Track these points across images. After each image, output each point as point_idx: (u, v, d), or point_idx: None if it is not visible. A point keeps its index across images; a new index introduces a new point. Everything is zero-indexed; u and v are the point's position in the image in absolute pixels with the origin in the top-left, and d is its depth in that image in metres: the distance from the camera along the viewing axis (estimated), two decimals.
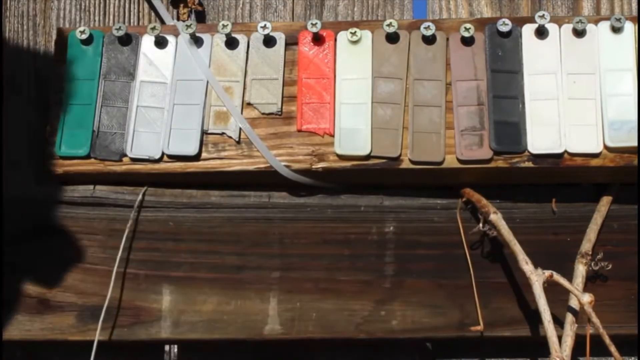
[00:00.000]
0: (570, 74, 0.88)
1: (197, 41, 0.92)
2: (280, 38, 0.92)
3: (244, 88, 0.91)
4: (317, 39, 0.91)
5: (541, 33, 0.90)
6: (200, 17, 1.00)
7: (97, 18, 1.01)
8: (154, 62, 0.92)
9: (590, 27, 0.89)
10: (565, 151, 0.86)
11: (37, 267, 0.90)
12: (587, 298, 0.81)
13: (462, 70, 0.89)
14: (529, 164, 0.86)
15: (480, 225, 0.87)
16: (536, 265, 0.82)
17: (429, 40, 0.90)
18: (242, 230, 0.90)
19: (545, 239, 0.89)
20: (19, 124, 0.98)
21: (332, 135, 0.88)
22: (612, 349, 0.79)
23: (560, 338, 0.81)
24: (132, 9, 1.01)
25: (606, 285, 0.89)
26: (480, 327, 0.87)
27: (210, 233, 0.90)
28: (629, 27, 0.89)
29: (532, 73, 0.88)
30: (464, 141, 0.87)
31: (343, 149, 0.88)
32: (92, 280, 0.90)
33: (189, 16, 0.99)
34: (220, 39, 0.92)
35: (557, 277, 0.81)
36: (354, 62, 0.90)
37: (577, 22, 0.88)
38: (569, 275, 0.86)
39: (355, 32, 0.91)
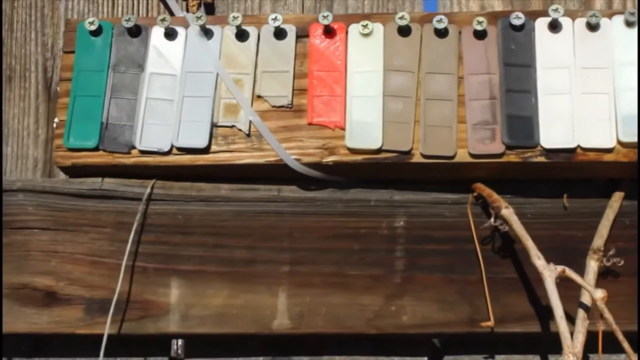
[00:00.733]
0: (583, 68, 0.88)
1: (207, 33, 0.91)
2: (291, 30, 0.91)
3: (255, 80, 0.90)
4: (329, 32, 0.91)
5: (554, 27, 0.89)
6: (210, 9, 1.00)
7: (105, 9, 1.00)
8: (164, 54, 0.91)
9: (604, 21, 0.89)
10: (578, 146, 0.86)
11: (44, 260, 0.89)
12: (599, 294, 0.80)
13: (474, 64, 0.89)
14: (542, 159, 0.86)
15: (492, 220, 0.86)
16: (548, 260, 0.81)
17: (441, 33, 0.90)
18: (252, 224, 0.90)
19: (556, 234, 0.89)
20: (27, 115, 0.98)
21: (343, 129, 0.88)
22: (625, 345, 0.78)
23: (571, 334, 0.81)
24: (141, 0, 1.00)
25: (618, 281, 0.88)
26: (490, 323, 0.86)
27: (220, 227, 0.90)
28: None
29: (545, 67, 0.88)
30: (476, 135, 0.87)
31: (354, 142, 0.87)
32: (100, 273, 0.89)
33: (198, 8, 0.98)
34: (230, 31, 0.92)
35: (570, 273, 0.81)
36: (365, 54, 0.90)
37: (591, 16, 0.88)
38: (581, 271, 0.86)
39: (367, 24, 0.90)
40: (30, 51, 1.00)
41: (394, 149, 0.87)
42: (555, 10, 0.88)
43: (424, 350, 0.93)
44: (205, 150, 0.88)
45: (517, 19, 0.89)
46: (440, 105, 0.88)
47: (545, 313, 0.88)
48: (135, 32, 0.92)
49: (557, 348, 0.80)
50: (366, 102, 0.88)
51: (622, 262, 0.87)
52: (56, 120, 0.91)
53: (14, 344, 0.94)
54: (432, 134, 0.87)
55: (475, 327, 0.88)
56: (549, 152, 0.86)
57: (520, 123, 0.86)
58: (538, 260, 0.81)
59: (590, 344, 0.83)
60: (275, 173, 0.90)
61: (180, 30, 0.92)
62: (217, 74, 0.90)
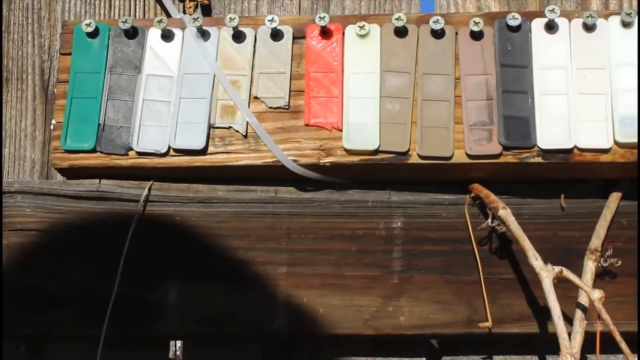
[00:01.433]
0: (580, 68, 0.88)
1: (203, 34, 0.91)
2: (288, 32, 0.91)
3: (251, 82, 0.90)
4: (325, 33, 0.91)
5: (551, 27, 0.89)
6: (207, 11, 1.00)
7: (102, 11, 1.00)
8: (161, 55, 0.91)
9: (600, 22, 0.89)
10: (575, 146, 0.86)
11: (42, 261, 0.89)
12: (597, 294, 0.80)
13: (471, 65, 0.89)
14: (539, 159, 0.86)
15: (489, 220, 0.86)
16: (545, 261, 0.81)
17: (438, 34, 0.90)
18: (249, 225, 0.90)
19: (554, 235, 0.89)
20: (24, 117, 0.98)
21: (340, 130, 0.88)
22: (623, 345, 0.78)
23: (569, 335, 0.81)
24: (137, 2, 1.00)
25: (615, 281, 0.88)
26: (488, 324, 0.86)
27: (217, 228, 0.90)
28: None
29: (542, 68, 0.88)
30: (473, 136, 0.87)
31: (351, 143, 0.87)
32: (98, 274, 0.89)
33: (195, 9, 0.98)
34: (227, 33, 0.92)
35: (567, 273, 0.81)
36: (362, 56, 0.90)
37: (587, 17, 0.88)
38: (578, 271, 0.86)
39: (363, 25, 0.90)
40: (27, 53, 0.99)
41: (391, 150, 0.87)
42: (552, 10, 0.88)
43: (421, 351, 0.93)
44: (203, 151, 0.88)
45: (514, 19, 0.89)
46: (437, 106, 0.88)
47: (542, 314, 0.88)
48: (132, 33, 0.92)
49: (555, 349, 0.79)
50: (363, 103, 0.88)
51: (619, 263, 0.87)
52: (53, 122, 0.91)
53: (13, 346, 0.94)
54: (429, 135, 0.87)
55: (473, 327, 0.88)
56: (545, 152, 0.86)
57: (517, 124, 0.86)
58: (535, 260, 0.81)
59: (588, 345, 0.83)
60: (273, 174, 0.90)
61: (177, 32, 0.92)
62: (214, 76, 0.90)
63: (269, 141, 0.88)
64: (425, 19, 0.90)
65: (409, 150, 0.87)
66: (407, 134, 0.87)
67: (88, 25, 0.91)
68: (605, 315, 0.79)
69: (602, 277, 0.88)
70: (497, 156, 0.86)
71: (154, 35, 0.92)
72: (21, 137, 0.98)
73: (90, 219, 0.90)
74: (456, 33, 0.90)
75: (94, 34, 0.92)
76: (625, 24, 0.88)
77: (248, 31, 0.92)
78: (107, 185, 0.90)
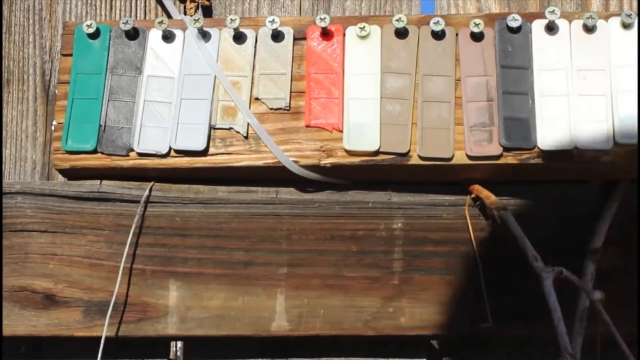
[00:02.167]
0: (580, 70, 0.88)
1: (204, 35, 0.92)
2: (289, 33, 0.91)
3: (252, 83, 0.90)
4: (326, 34, 0.91)
5: (551, 29, 0.89)
6: (207, 12, 1.00)
7: (103, 12, 1.00)
8: (162, 56, 0.91)
9: (600, 23, 0.89)
10: (575, 147, 0.86)
11: (43, 262, 0.89)
12: (597, 295, 0.81)
13: (471, 66, 0.89)
14: (539, 161, 0.86)
15: (490, 221, 0.86)
16: (546, 262, 0.81)
17: (439, 35, 0.90)
18: (250, 226, 0.90)
19: (554, 235, 0.89)
20: (26, 118, 0.98)
21: (341, 131, 0.88)
22: (623, 346, 0.78)
23: (569, 336, 0.81)
24: (138, 3, 1.00)
25: (615, 282, 0.88)
26: (489, 325, 0.86)
27: (218, 229, 0.90)
28: None
29: (542, 69, 0.88)
30: (473, 137, 0.87)
31: (352, 144, 0.87)
32: (98, 275, 0.89)
33: (196, 11, 0.98)
34: (228, 34, 0.92)
35: (567, 274, 0.81)
36: (362, 57, 0.90)
37: (588, 18, 0.88)
38: (579, 272, 0.86)
39: (364, 27, 0.90)
40: (29, 54, 1.00)
41: (391, 151, 0.87)
42: (552, 12, 0.88)
43: (422, 351, 0.93)
44: (203, 152, 0.89)
45: (514, 21, 0.89)
46: (438, 107, 0.88)
47: (543, 314, 0.88)
48: (133, 34, 0.92)
49: (556, 349, 0.79)
50: (364, 104, 0.88)
51: (619, 264, 0.87)
52: (54, 122, 0.91)
53: (13, 347, 0.94)
54: (430, 136, 0.87)
55: (474, 328, 0.88)
56: (546, 153, 0.86)
57: (518, 125, 0.87)
58: (536, 261, 0.81)
59: (588, 346, 0.83)
60: (273, 175, 0.90)
61: (178, 33, 0.92)
62: (215, 77, 0.90)
63: (269, 142, 0.88)
64: (425, 20, 0.91)
65: (409, 151, 0.87)
66: (407, 135, 0.87)
67: (89, 26, 0.91)
68: (605, 316, 0.80)
69: (602, 278, 0.88)
70: (498, 157, 0.86)
71: (155, 36, 0.92)
72: (22, 138, 0.98)
73: (91, 220, 0.90)
74: (456, 34, 0.90)
75: (95, 35, 0.92)
76: (626, 25, 0.88)
77: (249, 32, 0.92)
78: (108, 186, 0.91)
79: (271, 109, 0.90)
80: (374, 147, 0.87)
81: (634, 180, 0.89)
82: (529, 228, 0.85)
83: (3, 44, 1.00)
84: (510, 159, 0.86)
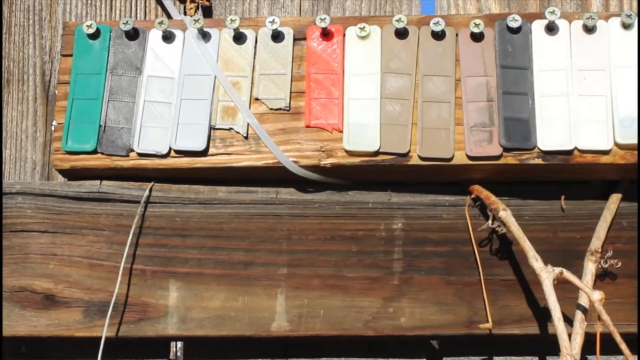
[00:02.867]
0: (580, 70, 0.88)
1: (204, 36, 0.92)
2: (289, 33, 0.91)
3: (252, 83, 0.90)
4: (326, 34, 0.91)
5: (551, 29, 0.89)
6: (207, 12, 1.00)
7: (103, 13, 1.00)
8: (162, 56, 0.91)
9: (600, 23, 0.89)
10: (575, 148, 0.86)
11: (43, 262, 0.89)
12: (597, 296, 0.80)
13: (471, 66, 0.89)
14: (539, 161, 0.86)
15: (490, 222, 0.86)
16: (546, 262, 0.81)
17: (439, 35, 0.90)
18: (250, 227, 0.90)
19: (554, 236, 0.89)
20: (26, 118, 0.98)
21: (341, 131, 0.88)
22: (623, 346, 0.78)
23: (569, 336, 0.81)
24: (138, 3, 1.00)
25: (615, 283, 0.89)
26: (489, 325, 0.86)
27: (218, 229, 0.90)
28: None
29: (542, 69, 0.88)
30: (474, 137, 0.87)
31: (352, 144, 0.87)
32: (98, 276, 0.89)
33: (196, 11, 0.98)
34: (228, 34, 0.92)
35: (567, 275, 0.81)
36: (362, 57, 0.90)
37: (588, 18, 0.88)
38: (579, 272, 0.86)
39: (364, 27, 0.90)
40: (29, 54, 1.00)
41: (391, 151, 0.87)
42: (552, 12, 0.88)
43: (422, 352, 0.93)
44: (203, 152, 0.89)
45: (514, 21, 0.89)
46: (438, 107, 0.88)
47: (543, 315, 0.88)
48: (133, 35, 0.92)
49: (556, 350, 0.79)
50: (364, 104, 0.88)
51: (619, 264, 0.87)
52: (54, 123, 0.91)
53: (13, 347, 0.94)
54: (430, 136, 0.87)
55: (474, 329, 0.88)
56: (546, 154, 0.86)
57: (518, 125, 0.87)
58: (536, 262, 0.81)
59: (588, 346, 0.83)
60: (273, 175, 0.90)
61: (178, 33, 0.92)
62: (215, 77, 0.90)
63: (269, 142, 0.88)
64: (425, 20, 0.91)
65: (409, 151, 0.87)
66: (407, 135, 0.87)
67: (89, 26, 0.91)
68: (605, 317, 0.79)
69: (602, 278, 0.88)
70: (498, 157, 0.86)
71: (155, 36, 0.92)
72: (22, 138, 0.98)
73: (91, 220, 0.90)
74: (457, 34, 0.90)
75: (95, 36, 0.92)
76: (626, 26, 0.88)
77: (249, 32, 0.92)
78: (108, 186, 0.91)
79: (271, 109, 0.90)
80: (374, 148, 0.87)
81: (634, 180, 0.89)
82: (528, 228, 0.85)
83: (3, 45, 1.00)
84: (510, 159, 0.86)
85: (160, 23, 0.91)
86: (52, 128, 0.91)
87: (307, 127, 0.89)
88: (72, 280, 0.89)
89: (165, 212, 0.90)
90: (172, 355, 0.93)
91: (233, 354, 0.93)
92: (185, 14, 0.98)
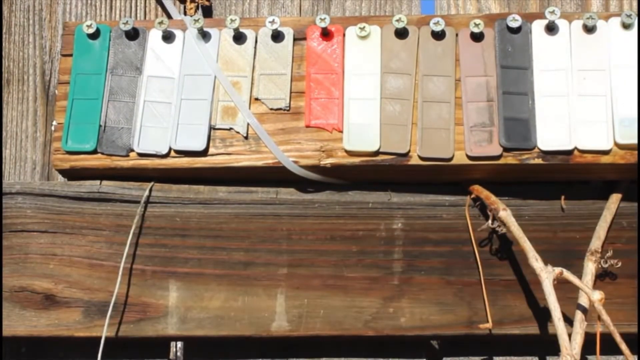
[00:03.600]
0: (580, 70, 0.88)
1: (204, 36, 0.92)
2: (289, 33, 0.91)
3: (252, 83, 0.90)
4: (326, 34, 0.91)
5: (551, 29, 0.89)
6: (207, 12, 1.00)
7: (103, 12, 1.00)
8: (162, 56, 0.91)
9: (600, 24, 0.89)
10: (575, 148, 0.86)
11: (43, 263, 0.89)
12: (597, 296, 0.80)
13: (471, 66, 0.89)
14: (539, 161, 0.86)
15: (490, 222, 0.86)
16: (546, 262, 0.81)
17: (439, 35, 0.90)
18: (250, 227, 0.90)
19: (554, 236, 0.89)
20: (26, 118, 0.98)
21: (341, 131, 0.88)
22: (623, 346, 0.78)
23: (569, 336, 0.81)
24: (138, 3, 1.00)
25: (615, 283, 0.89)
26: (489, 325, 0.86)
27: (218, 229, 0.90)
28: None
29: (542, 69, 0.88)
30: (474, 137, 0.87)
31: (352, 144, 0.87)
32: (98, 276, 0.89)
33: (196, 11, 0.98)
34: (228, 34, 0.92)
35: (567, 275, 0.81)
36: (362, 57, 0.90)
37: (588, 18, 0.88)
38: (578, 272, 0.86)
39: (364, 27, 0.90)
40: (29, 54, 1.00)
41: (391, 151, 0.87)
42: (552, 12, 0.88)
43: (422, 352, 0.93)
44: (203, 152, 0.89)
45: (514, 21, 0.89)
46: (438, 107, 0.88)
47: (543, 315, 0.88)
48: (133, 35, 0.92)
49: (556, 350, 0.79)
50: (364, 104, 0.88)
51: (619, 264, 0.87)
52: (54, 123, 0.91)
53: (13, 347, 0.94)
54: (430, 136, 0.87)
55: (474, 329, 0.88)
56: (546, 154, 0.86)
57: (518, 125, 0.87)
58: (536, 262, 0.81)
59: (588, 346, 0.83)
60: (273, 175, 0.90)
61: (178, 34, 0.92)
62: (215, 77, 0.90)
63: (269, 142, 0.88)
64: (425, 20, 0.91)
65: (409, 151, 0.87)
66: (407, 135, 0.87)
67: (89, 26, 0.91)
68: (605, 317, 0.79)
69: (602, 278, 0.88)
70: (498, 157, 0.86)
71: (154, 36, 0.92)
72: (22, 138, 0.98)
73: (91, 220, 0.90)
74: (456, 34, 0.90)
75: (95, 36, 0.92)
76: (626, 26, 0.88)
77: (249, 32, 0.92)
78: (108, 186, 0.91)
79: (271, 109, 0.90)
80: (374, 148, 0.87)
81: (634, 180, 0.89)
82: (528, 228, 0.85)
83: (3, 45, 1.00)
84: (510, 159, 0.86)
85: (160, 23, 0.91)
86: (52, 128, 0.91)
87: (307, 127, 0.89)
88: (72, 280, 0.89)
89: (165, 212, 0.90)
90: (172, 355, 0.93)
91: (233, 354, 0.93)
92: (185, 14, 0.98)
